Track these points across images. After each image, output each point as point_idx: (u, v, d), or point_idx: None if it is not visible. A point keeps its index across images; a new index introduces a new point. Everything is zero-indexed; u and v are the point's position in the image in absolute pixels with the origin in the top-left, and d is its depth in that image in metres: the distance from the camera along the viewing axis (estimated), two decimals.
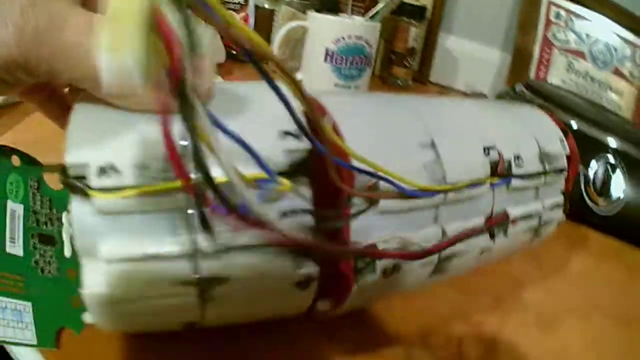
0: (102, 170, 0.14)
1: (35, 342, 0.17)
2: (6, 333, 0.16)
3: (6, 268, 0.17)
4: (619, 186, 0.31)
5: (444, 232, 0.20)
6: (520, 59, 0.48)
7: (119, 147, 0.15)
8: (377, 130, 0.20)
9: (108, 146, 0.15)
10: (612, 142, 0.33)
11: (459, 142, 0.21)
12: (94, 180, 0.14)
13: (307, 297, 0.19)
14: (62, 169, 0.15)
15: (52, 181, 0.21)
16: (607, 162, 0.31)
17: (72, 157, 0.15)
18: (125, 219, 0.15)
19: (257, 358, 0.21)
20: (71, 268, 0.20)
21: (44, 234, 0.20)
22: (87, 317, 0.17)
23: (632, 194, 0.31)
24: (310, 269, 0.17)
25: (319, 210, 0.17)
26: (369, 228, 0.18)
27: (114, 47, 0.14)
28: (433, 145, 0.20)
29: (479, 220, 0.22)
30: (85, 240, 0.15)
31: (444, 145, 0.20)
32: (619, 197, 0.31)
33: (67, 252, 0.20)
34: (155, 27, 0.12)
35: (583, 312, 0.28)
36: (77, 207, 0.15)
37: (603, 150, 0.32)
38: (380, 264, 0.19)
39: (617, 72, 0.38)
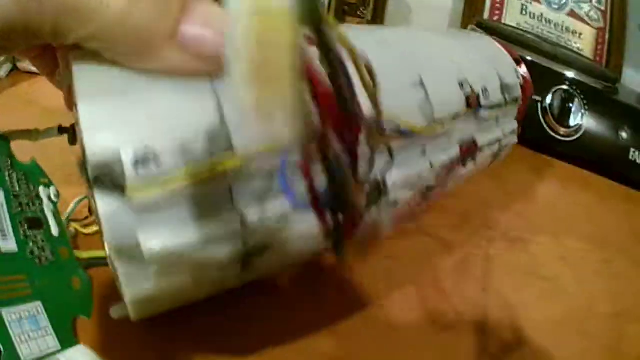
0: (140, 160, 0.12)
1: (59, 347, 0.14)
2: (32, 350, 0.13)
3: (6, 270, 0.14)
4: (577, 115, 0.33)
5: (431, 165, 0.21)
6: (473, 4, 0.45)
7: (153, 126, 0.12)
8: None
9: (139, 126, 0.12)
10: (569, 73, 0.34)
11: (440, 78, 0.21)
12: (131, 174, 0.12)
13: (329, 242, 0.18)
14: (81, 163, 0.12)
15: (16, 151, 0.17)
16: (565, 92, 0.33)
17: (98, 146, 0.11)
18: (167, 210, 0.12)
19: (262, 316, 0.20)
20: (63, 247, 0.18)
21: (31, 218, 0.16)
22: (117, 312, 0.15)
23: (590, 121, 0.33)
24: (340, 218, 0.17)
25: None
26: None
27: (260, 107, 0.09)
28: (422, 83, 0.20)
29: (455, 151, 0.22)
30: (122, 241, 0.12)
31: (430, 83, 0.20)
32: (578, 125, 0.33)
33: (55, 231, 0.18)
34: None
35: (552, 232, 0.28)
36: (108, 206, 0.12)
37: (560, 81, 0.33)
38: (386, 200, 0.19)
39: (573, 14, 0.38)
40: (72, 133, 0.19)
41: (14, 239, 0.15)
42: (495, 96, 0.25)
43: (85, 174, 0.12)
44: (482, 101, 0.23)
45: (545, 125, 0.33)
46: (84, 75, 0.13)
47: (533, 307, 0.22)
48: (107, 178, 0.12)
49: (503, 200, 0.30)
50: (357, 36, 0.21)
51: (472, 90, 0.23)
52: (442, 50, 0.24)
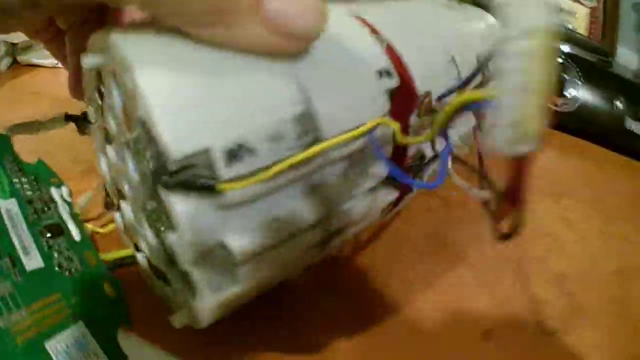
0: (232, 154, 0.09)
1: None
2: None
3: (38, 293, 0.11)
4: (573, 86, 0.33)
5: (460, 139, 0.21)
6: None
7: (241, 113, 0.10)
8: (417, 48, 0.18)
9: (226, 113, 0.10)
10: (564, 47, 0.34)
11: (465, 55, 0.21)
12: (223, 167, 0.09)
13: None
14: (159, 162, 0.09)
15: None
16: (559, 65, 0.33)
17: (178, 139, 0.09)
18: (254, 205, 0.10)
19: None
20: (87, 251, 0.15)
21: (50, 225, 0.14)
22: (179, 320, 0.13)
23: (586, 92, 0.33)
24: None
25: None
26: None
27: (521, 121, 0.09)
28: (453, 60, 0.19)
29: (473, 122, 0.23)
30: (203, 246, 0.10)
31: (458, 60, 0.20)
32: (574, 96, 0.33)
33: (76, 236, 0.15)
34: None
35: (552, 195, 0.27)
36: (190, 207, 0.10)
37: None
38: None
39: None
40: (82, 121, 0.16)
41: (37, 253, 0.12)
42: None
43: (170, 180, 0.09)
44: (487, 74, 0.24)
45: None
46: (142, 53, 0.10)
47: (538, 265, 0.22)
48: (191, 175, 0.09)
49: (502, 166, 0.29)
50: (386, 13, 0.20)
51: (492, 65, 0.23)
52: (461, 26, 0.23)
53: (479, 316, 0.18)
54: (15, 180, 0.13)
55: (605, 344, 0.18)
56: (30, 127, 0.15)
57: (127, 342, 0.13)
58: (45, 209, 0.14)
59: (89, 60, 0.12)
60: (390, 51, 0.15)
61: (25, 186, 0.14)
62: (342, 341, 0.17)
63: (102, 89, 0.13)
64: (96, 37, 0.12)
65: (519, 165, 0.09)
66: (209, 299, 0.11)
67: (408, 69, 0.15)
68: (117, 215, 0.17)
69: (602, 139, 0.34)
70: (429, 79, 0.16)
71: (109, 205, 0.17)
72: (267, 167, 0.10)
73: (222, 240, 0.10)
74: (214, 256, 0.10)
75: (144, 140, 0.10)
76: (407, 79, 0.15)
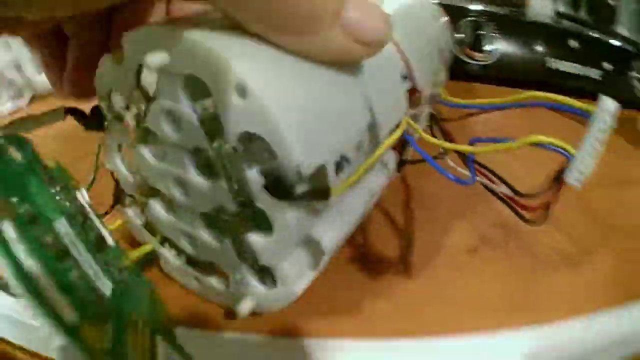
0: (339, 165, 0.11)
1: None
2: None
3: (122, 321, 0.11)
4: (491, 39, 0.35)
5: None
6: None
7: (339, 125, 0.11)
8: (410, 45, 0.19)
9: (329, 128, 0.11)
10: (474, 6, 0.35)
11: (437, 46, 0.23)
12: (334, 180, 0.11)
13: None
14: (279, 177, 0.10)
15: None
16: (472, 22, 0.35)
17: (306, 157, 0.10)
18: (338, 204, 0.12)
19: None
20: (121, 256, 0.14)
21: (96, 238, 0.13)
22: (245, 308, 0.13)
23: (504, 43, 0.35)
24: None
25: None
26: None
27: None
28: (430, 53, 0.21)
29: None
30: (298, 246, 0.12)
31: (434, 52, 0.22)
32: (494, 48, 0.35)
33: (110, 241, 0.14)
34: None
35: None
36: (299, 215, 0.11)
37: (466, 14, 0.35)
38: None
39: None
40: (97, 115, 0.15)
41: (105, 277, 0.12)
42: (448, 53, 0.27)
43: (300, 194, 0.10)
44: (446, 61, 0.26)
45: (461, 55, 0.34)
46: (244, 60, 0.10)
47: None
48: (310, 187, 0.10)
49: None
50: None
51: (443, 53, 0.24)
52: (427, 22, 0.24)
53: (460, 240, 0.20)
54: (52, 191, 0.12)
55: (570, 245, 0.20)
56: (25, 124, 0.14)
57: (191, 339, 0.14)
58: (83, 218, 0.13)
59: (155, 60, 0.11)
60: (400, 50, 0.16)
61: (61, 195, 0.12)
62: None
63: (148, 90, 0.13)
64: (153, 33, 0.11)
65: (559, 189, 0.12)
66: (294, 288, 0.12)
67: (413, 68, 0.17)
68: (129, 210, 0.17)
69: (527, 83, 0.31)
70: (422, 74, 0.17)
71: (120, 201, 0.16)
72: (355, 172, 0.12)
73: (317, 239, 0.12)
74: (304, 253, 0.12)
75: (247, 153, 0.11)
76: (414, 80, 0.16)
